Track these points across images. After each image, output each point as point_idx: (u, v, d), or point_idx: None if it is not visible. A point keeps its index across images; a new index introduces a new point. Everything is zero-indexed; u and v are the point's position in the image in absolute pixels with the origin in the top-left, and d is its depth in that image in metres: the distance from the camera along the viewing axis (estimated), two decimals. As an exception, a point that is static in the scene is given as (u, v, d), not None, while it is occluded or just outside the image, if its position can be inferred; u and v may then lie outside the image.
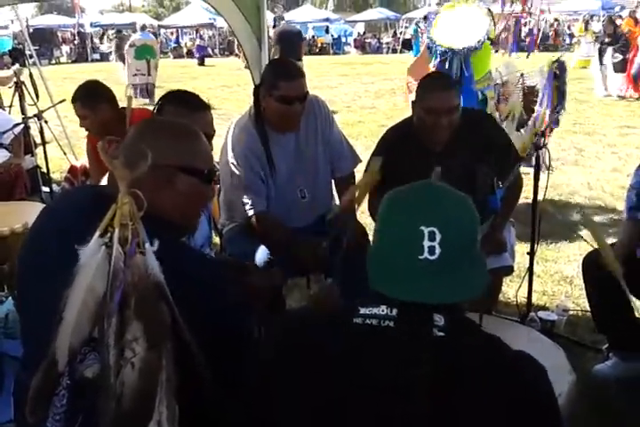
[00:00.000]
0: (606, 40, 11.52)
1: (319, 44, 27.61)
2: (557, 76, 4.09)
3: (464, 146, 2.47)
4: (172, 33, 32.58)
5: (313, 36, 27.40)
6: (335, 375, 1.05)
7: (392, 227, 1.09)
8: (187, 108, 2.12)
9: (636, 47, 10.92)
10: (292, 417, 1.07)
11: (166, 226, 1.23)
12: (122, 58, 13.67)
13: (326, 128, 2.69)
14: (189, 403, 1.02)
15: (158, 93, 9.86)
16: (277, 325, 1.25)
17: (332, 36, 28.35)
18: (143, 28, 13.17)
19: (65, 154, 5.75)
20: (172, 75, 17.43)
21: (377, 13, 33.85)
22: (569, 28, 27.18)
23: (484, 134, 2.55)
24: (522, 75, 4.21)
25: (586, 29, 22.37)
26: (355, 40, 30.37)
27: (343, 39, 28.85)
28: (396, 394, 1.00)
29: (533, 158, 2.62)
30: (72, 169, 4.49)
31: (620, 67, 11.15)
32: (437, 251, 1.03)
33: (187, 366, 1.01)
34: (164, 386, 0.97)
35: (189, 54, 28.51)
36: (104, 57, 24.86)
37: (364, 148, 6.32)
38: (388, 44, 30.47)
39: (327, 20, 28.69)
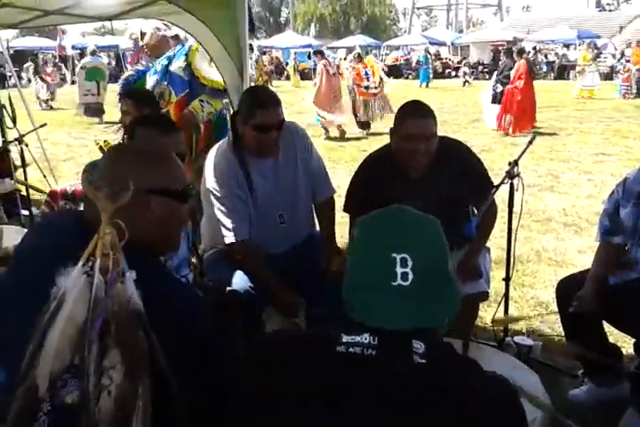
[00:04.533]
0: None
1: (301, 70, 27.93)
2: None
3: (441, 173, 2.52)
4: (155, 56, 32.65)
5: (287, 63, 27.71)
6: (316, 404, 1.06)
7: (365, 254, 1.12)
8: (158, 131, 2.18)
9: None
10: None
11: (146, 250, 1.25)
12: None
13: (306, 155, 2.74)
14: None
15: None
16: (258, 350, 1.26)
17: (314, 61, 28.74)
18: (93, 52, 14.30)
19: (45, 177, 5.74)
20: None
21: (358, 40, 34.41)
22: (546, 56, 27.85)
23: (460, 162, 2.61)
24: None
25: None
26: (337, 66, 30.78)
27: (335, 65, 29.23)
28: (378, 420, 1.03)
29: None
30: (52, 193, 4.47)
31: (501, 98, 10.91)
32: (410, 276, 1.06)
33: (163, 394, 1.03)
34: (140, 413, 0.99)
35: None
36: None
37: (345, 172, 6.40)
38: (368, 70, 30.91)
39: (309, 46, 29.09)
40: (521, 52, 11.43)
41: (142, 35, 4.08)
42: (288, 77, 24.94)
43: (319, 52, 11.78)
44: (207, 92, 3.72)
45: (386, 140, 2.66)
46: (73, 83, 25.60)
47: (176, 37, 4.00)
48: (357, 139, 10.61)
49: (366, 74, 11.27)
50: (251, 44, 6.46)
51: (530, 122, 10.79)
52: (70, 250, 1.01)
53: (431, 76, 24.02)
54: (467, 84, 23.17)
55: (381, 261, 1.07)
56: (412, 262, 1.06)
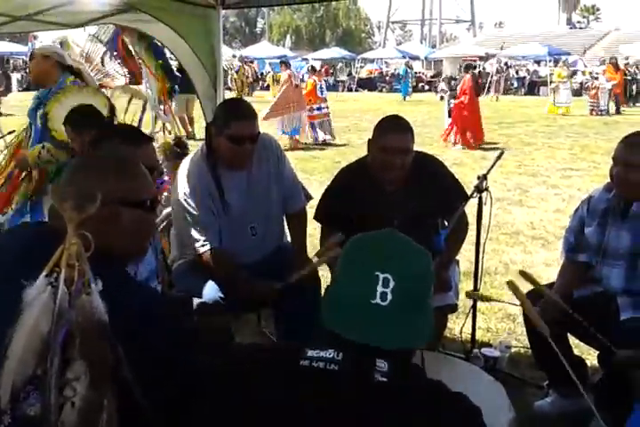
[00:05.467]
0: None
1: (276, 80, 27.97)
2: None
3: (416, 187, 2.57)
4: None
5: (269, 72, 27.78)
6: (276, 417, 1.06)
7: (350, 270, 1.14)
8: (127, 143, 2.08)
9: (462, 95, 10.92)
10: None
11: (113, 260, 1.24)
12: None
13: (278, 167, 2.74)
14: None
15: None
16: (222, 361, 1.26)
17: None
18: None
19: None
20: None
21: (333, 52, 34.67)
22: (517, 72, 28.38)
23: (433, 175, 2.66)
24: None
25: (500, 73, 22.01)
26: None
27: (300, 76, 29.34)
28: None
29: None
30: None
31: None
32: (389, 297, 1.07)
33: (128, 405, 1.02)
34: (105, 426, 0.98)
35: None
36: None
37: (319, 183, 6.42)
38: (343, 82, 31.21)
39: (284, 57, 29.21)
40: (468, 67, 11.73)
41: (31, 57, 3.78)
42: (267, 88, 24.97)
43: (284, 63, 11.72)
44: (53, 143, 3.40)
45: (360, 152, 2.69)
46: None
47: (65, 67, 3.63)
48: (331, 150, 10.66)
49: (321, 87, 11.27)
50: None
51: (479, 136, 11.01)
52: (33, 265, 1.00)
53: (410, 89, 24.25)
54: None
55: (365, 277, 1.09)
56: (393, 284, 1.08)
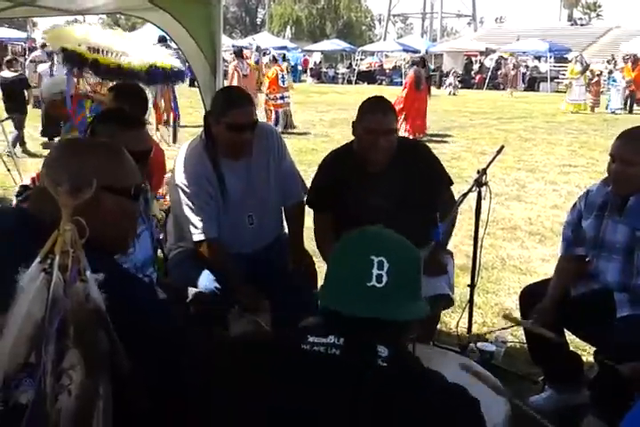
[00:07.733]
0: None
1: (275, 71, 27.92)
2: None
3: (401, 170, 2.57)
4: (126, 52, 32.43)
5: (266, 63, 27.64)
6: (277, 397, 1.09)
7: (346, 255, 1.18)
8: (119, 127, 2.07)
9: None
10: None
11: (100, 248, 1.22)
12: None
13: (278, 156, 2.72)
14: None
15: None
16: (224, 346, 1.27)
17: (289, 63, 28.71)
18: (43, 45, 14.10)
19: (9, 170, 5.63)
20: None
21: (333, 44, 34.53)
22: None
23: (419, 159, 2.67)
24: None
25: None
26: (311, 69, 30.92)
27: (300, 67, 29.20)
28: (337, 416, 1.05)
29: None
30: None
31: None
32: (384, 279, 1.12)
33: (125, 393, 1.01)
34: (101, 413, 0.97)
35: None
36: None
37: (316, 176, 6.40)
38: (343, 74, 31.13)
39: (284, 48, 29.09)
40: (414, 62, 11.93)
41: None
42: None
43: (236, 53, 11.77)
44: None
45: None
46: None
47: None
48: (330, 142, 10.62)
49: (283, 77, 11.37)
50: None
51: (421, 126, 11.28)
52: (23, 251, 0.97)
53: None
54: (450, 93, 23.37)
55: (360, 261, 1.13)
56: (387, 266, 1.12)
